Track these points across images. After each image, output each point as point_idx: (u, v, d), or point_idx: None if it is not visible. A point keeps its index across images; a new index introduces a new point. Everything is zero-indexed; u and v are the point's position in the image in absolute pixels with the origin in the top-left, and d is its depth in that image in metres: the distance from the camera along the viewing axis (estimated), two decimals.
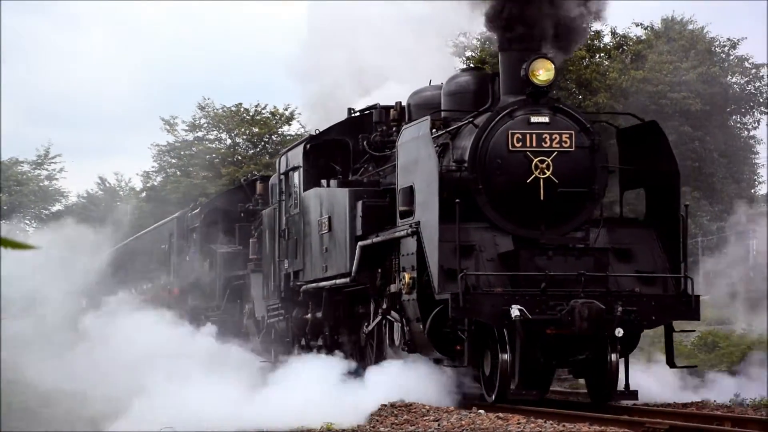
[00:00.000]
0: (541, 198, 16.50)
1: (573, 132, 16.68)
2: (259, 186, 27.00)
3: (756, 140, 41.91)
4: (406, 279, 16.67)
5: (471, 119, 17.12)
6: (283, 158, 22.53)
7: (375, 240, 17.92)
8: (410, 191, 16.83)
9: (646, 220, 17.53)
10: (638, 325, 16.20)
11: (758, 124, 41.34)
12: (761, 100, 40.94)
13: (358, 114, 21.18)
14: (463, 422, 14.06)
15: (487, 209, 16.68)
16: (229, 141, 47.32)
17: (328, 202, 19.73)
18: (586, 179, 16.75)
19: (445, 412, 15.02)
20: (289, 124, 46.66)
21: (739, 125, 41.91)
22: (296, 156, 21.54)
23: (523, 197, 16.55)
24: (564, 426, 13.22)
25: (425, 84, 19.75)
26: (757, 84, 40.98)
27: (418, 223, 16.41)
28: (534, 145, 16.58)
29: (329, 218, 19.56)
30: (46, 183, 48.78)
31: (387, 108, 20.34)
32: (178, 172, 48.48)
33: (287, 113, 46.30)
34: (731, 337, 23.87)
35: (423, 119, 16.86)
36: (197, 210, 29.84)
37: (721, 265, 29.25)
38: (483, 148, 16.68)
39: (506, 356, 15.82)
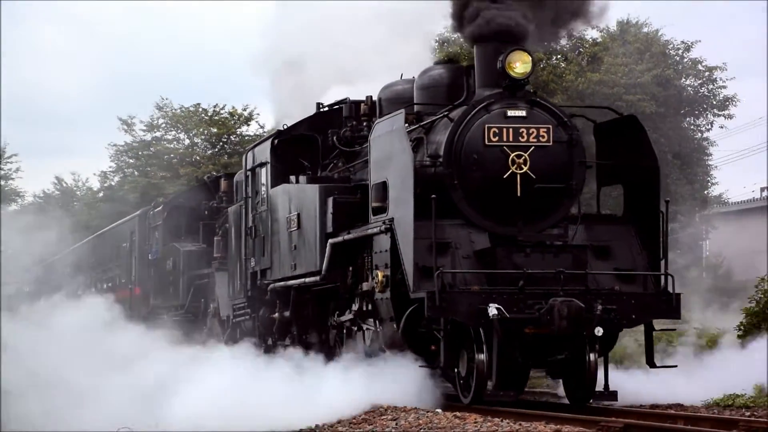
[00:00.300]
0: (518, 194, 16.26)
1: (550, 126, 16.43)
2: (223, 183, 26.70)
3: (709, 142, 42.04)
4: (379, 277, 16.37)
5: (446, 113, 16.82)
6: (250, 154, 22.09)
7: (347, 237, 17.58)
8: (383, 187, 16.52)
9: (624, 216, 17.30)
10: (618, 324, 15.97)
11: (711, 126, 41.48)
12: (714, 103, 41.04)
13: (327, 109, 20.86)
14: (420, 421, 13.99)
15: (463, 205, 16.40)
16: (187, 141, 47.02)
17: (297, 199, 19.36)
18: (564, 175, 16.50)
19: (403, 411, 14.89)
20: (248, 125, 46.42)
21: (692, 127, 41.98)
22: (263, 152, 21.13)
23: (500, 193, 16.28)
24: (520, 425, 13.17)
25: (396, 78, 19.47)
26: (710, 86, 41.05)
27: (392, 220, 16.11)
28: (511, 139, 16.31)
29: (298, 215, 19.20)
30: (2, 183, 48.17)
31: (357, 102, 20.04)
32: (136, 173, 48.03)
33: (246, 114, 46.02)
34: (685, 336, 23.84)
35: (397, 113, 16.53)
36: (160, 208, 29.40)
37: (676, 265, 29.31)
38: (458, 143, 16.39)
39: (483, 356, 15.53)
